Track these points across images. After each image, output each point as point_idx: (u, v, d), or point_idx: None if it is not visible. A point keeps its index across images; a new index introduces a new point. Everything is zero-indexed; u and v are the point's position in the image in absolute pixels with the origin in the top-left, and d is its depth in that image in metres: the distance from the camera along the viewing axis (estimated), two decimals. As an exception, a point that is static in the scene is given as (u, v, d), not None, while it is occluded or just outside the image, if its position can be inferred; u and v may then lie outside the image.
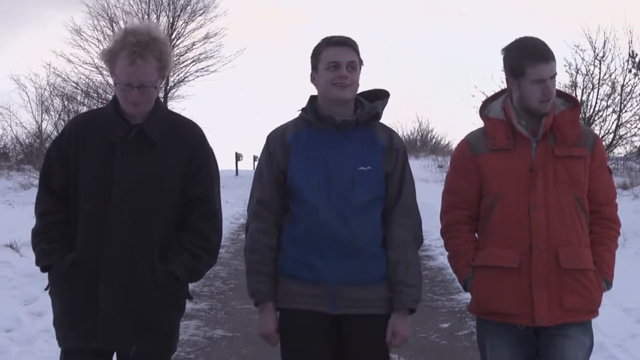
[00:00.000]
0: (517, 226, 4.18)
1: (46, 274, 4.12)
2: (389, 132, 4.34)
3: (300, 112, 4.33)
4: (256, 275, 4.16)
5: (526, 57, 4.16)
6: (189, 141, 4.10)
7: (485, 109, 4.42)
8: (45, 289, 4.12)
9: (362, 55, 4.30)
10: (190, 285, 10.96)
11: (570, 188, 4.19)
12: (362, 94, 4.37)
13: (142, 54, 3.92)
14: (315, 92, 4.34)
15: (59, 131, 4.07)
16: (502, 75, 4.36)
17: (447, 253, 4.42)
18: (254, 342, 8.05)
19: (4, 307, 8.14)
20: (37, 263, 4.11)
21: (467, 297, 9.61)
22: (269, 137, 4.32)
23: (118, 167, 3.99)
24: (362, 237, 4.14)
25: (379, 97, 4.38)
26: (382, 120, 4.35)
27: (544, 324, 4.15)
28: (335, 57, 4.19)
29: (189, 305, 9.46)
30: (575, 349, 4.16)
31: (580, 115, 4.40)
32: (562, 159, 4.19)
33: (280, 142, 4.26)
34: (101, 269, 3.96)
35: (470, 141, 4.37)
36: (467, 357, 7.56)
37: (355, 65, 4.23)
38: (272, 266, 4.17)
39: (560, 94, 4.31)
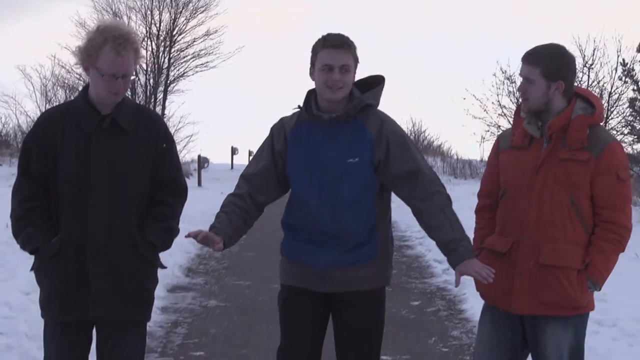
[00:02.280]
0: (514, 219, 4.44)
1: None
2: (380, 120, 4.47)
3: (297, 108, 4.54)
4: (216, 217, 4.46)
5: None
6: (154, 128, 4.44)
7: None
8: (31, 269, 4.44)
9: (358, 53, 4.43)
10: (188, 263, 11.95)
11: (566, 189, 4.33)
12: (357, 82, 4.53)
13: (125, 46, 4.25)
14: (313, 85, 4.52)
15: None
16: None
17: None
18: (244, 312, 9.04)
19: (22, 274, 9.10)
20: (24, 246, 4.36)
21: (437, 281, 10.74)
22: (274, 128, 4.61)
23: (95, 153, 4.31)
24: (351, 229, 4.43)
25: (375, 83, 4.55)
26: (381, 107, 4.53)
27: (519, 312, 4.41)
28: (329, 59, 4.35)
29: (186, 279, 10.64)
30: (555, 343, 4.37)
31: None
32: (564, 162, 4.34)
33: (282, 135, 4.55)
34: (87, 247, 4.29)
35: (500, 138, 4.66)
36: (432, 329, 8.48)
37: (349, 67, 4.38)
38: (233, 215, 4.44)
39: (586, 99, 4.44)
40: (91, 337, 4.52)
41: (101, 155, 4.33)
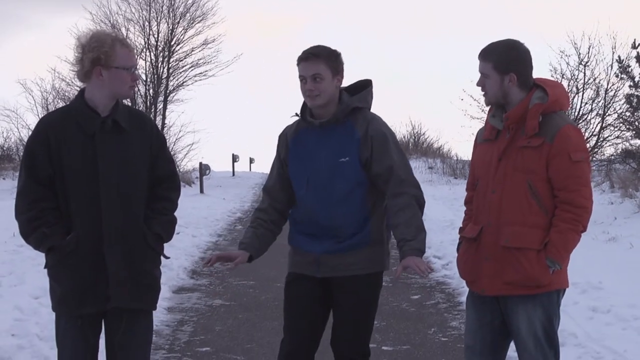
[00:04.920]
0: (482, 206, 4.71)
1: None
2: (368, 121, 4.84)
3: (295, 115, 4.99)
4: (244, 234, 5.00)
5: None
6: (147, 128, 4.73)
7: None
8: (45, 267, 4.62)
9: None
10: (192, 266, 12.19)
11: (524, 175, 4.55)
12: (348, 87, 4.95)
13: (128, 43, 4.68)
14: None
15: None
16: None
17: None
18: (248, 309, 9.27)
19: (31, 279, 9.35)
20: (38, 245, 4.56)
21: (437, 275, 10.97)
22: (279, 137, 5.08)
23: (101, 153, 4.54)
24: (342, 223, 4.81)
25: (363, 87, 4.95)
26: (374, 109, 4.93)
27: (487, 293, 4.68)
28: (302, 71, 4.79)
29: (191, 280, 10.90)
30: (527, 321, 4.59)
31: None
32: (522, 149, 4.57)
33: (284, 143, 5.02)
34: (104, 242, 4.53)
35: (477, 133, 4.94)
36: (431, 321, 8.75)
37: (321, 76, 4.75)
38: (259, 229, 4.96)
39: (543, 89, 4.63)
40: (101, 327, 4.74)
41: (107, 154, 4.56)
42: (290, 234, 5.05)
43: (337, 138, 4.85)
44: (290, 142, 4.98)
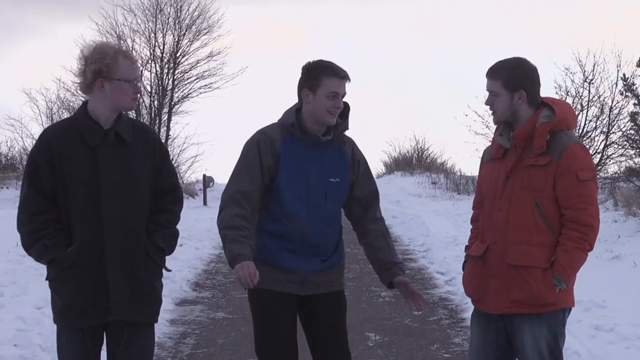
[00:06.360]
0: (489, 224, 4.72)
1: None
2: (352, 145, 5.00)
3: (286, 124, 4.83)
4: (238, 244, 4.61)
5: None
6: (150, 140, 4.72)
7: None
8: (46, 279, 4.61)
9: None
10: (195, 278, 12.18)
11: (531, 193, 4.57)
12: None
13: (131, 55, 4.68)
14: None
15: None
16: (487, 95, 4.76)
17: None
18: (250, 323, 9.18)
19: (34, 289, 9.35)
20: (39, 257, 4.55)
21: (440, 292, 10.95)
22: (259, 141, 4.82)
23: (103, 165, 4.54)
24: (329, 241, 4.93)
25: (344, 111, 4.91)
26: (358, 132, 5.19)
27: (492, 311, 4.69)
28: (337, 88, 4.76)
29: (193, 293, 10.88)
30: (532, 340, 4.59)
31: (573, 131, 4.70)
32: (529, 168, 4.59)
33: (271, 149, 4.81)
34: (105, 254, 4.52)
35: (484, 151, 4.97)
36: (434, 337, 8.74)
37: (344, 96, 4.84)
38: (251, 240, 4.70)
39: (550, 108, 4.65)
40: (103, 339, 4.74)
41: (109, 166, 4.57)
42: (267, 249, 4.85)
43: (330, 157, 4.90)
44: (280, 149, 4.83)
